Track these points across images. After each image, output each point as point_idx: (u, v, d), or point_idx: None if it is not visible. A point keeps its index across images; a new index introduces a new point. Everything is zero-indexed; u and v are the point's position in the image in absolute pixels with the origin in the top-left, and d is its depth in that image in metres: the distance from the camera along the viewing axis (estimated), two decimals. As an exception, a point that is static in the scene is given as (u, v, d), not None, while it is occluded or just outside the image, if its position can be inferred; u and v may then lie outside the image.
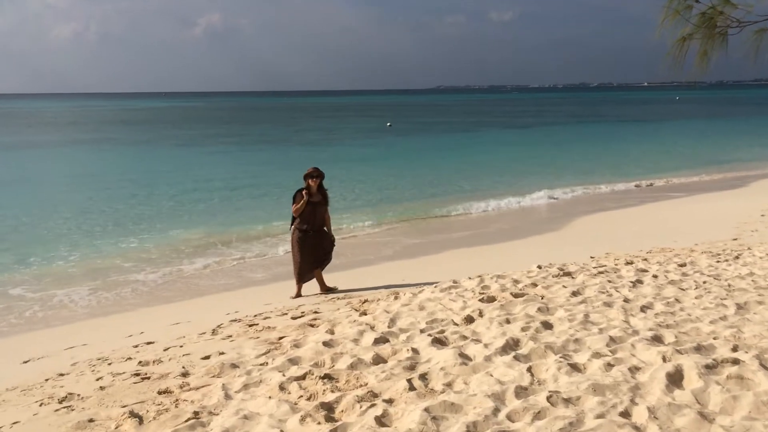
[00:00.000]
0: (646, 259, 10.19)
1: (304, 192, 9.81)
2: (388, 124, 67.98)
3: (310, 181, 9.82)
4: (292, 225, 10.03)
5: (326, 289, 10.17)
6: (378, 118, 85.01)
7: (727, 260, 9.69)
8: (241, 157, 38.19)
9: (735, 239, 12.60)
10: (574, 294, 7.60)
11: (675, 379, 4.78)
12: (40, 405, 5.54)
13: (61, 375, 6.49)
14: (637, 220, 17.77)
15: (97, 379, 6.15)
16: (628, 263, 9.76)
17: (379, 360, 5.73)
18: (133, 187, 25.68)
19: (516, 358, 5.42)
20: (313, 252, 9.93)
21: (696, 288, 7.84)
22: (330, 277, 12.14)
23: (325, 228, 10.03)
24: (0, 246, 15.79)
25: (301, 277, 10.01)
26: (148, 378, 6.01)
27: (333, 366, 5.68)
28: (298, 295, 9.98)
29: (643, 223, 17.11)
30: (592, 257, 11.27)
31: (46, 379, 6.37)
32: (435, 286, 8.57)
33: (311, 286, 10.28)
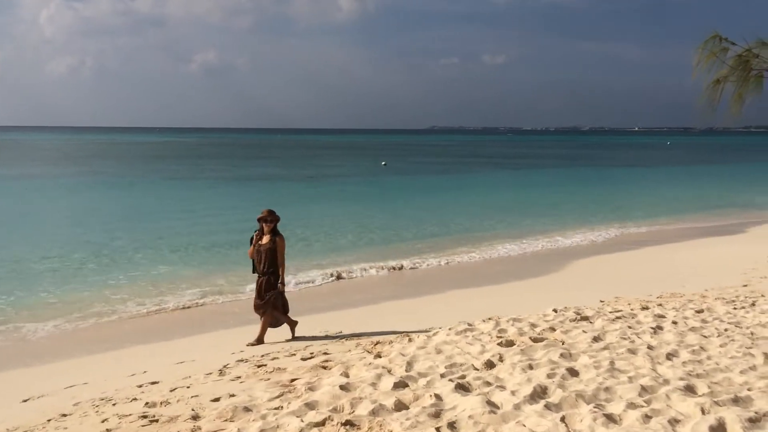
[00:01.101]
0: (661, 305, 10.00)
1: (255, 234, 9.60)
2: (383, 163, 68.05)
3: (262, 224, 9.57)
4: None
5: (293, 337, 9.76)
6: (373, 157, 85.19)
7: (744, 307, 9.52)
8: (236, 194, 37.97)
9: (745, 285, 12.46)
10: (595, 339, 7.38)
11: (719, 433, 4.56)
12: (44, 448, 5.26)
13: (64, 416, 6.20)
14: (638, 264, 17.61)
15: (102, 421, 5.86)
16: (643, 308, 9.55)
17: (401, 406, 5.47)
18: (126, 222, 25.29)
19: (547, 407, 5.17)
20: (258, 295, 9.58)
21: (719, 336, 7.65)
22: (331, 316, 11.88)
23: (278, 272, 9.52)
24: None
25: (264, 322, 9.58)
26: (157, 421, 5.73)
27: (353, 411, 5.41)
28: (258, 340, 9.54)
29: (644, 267, 16.94)
30: (602, 301, 11.08)
31: (48, 420, 6.09)
32: (450, 329, 8.32)
33: (309, 328, 10.00)
